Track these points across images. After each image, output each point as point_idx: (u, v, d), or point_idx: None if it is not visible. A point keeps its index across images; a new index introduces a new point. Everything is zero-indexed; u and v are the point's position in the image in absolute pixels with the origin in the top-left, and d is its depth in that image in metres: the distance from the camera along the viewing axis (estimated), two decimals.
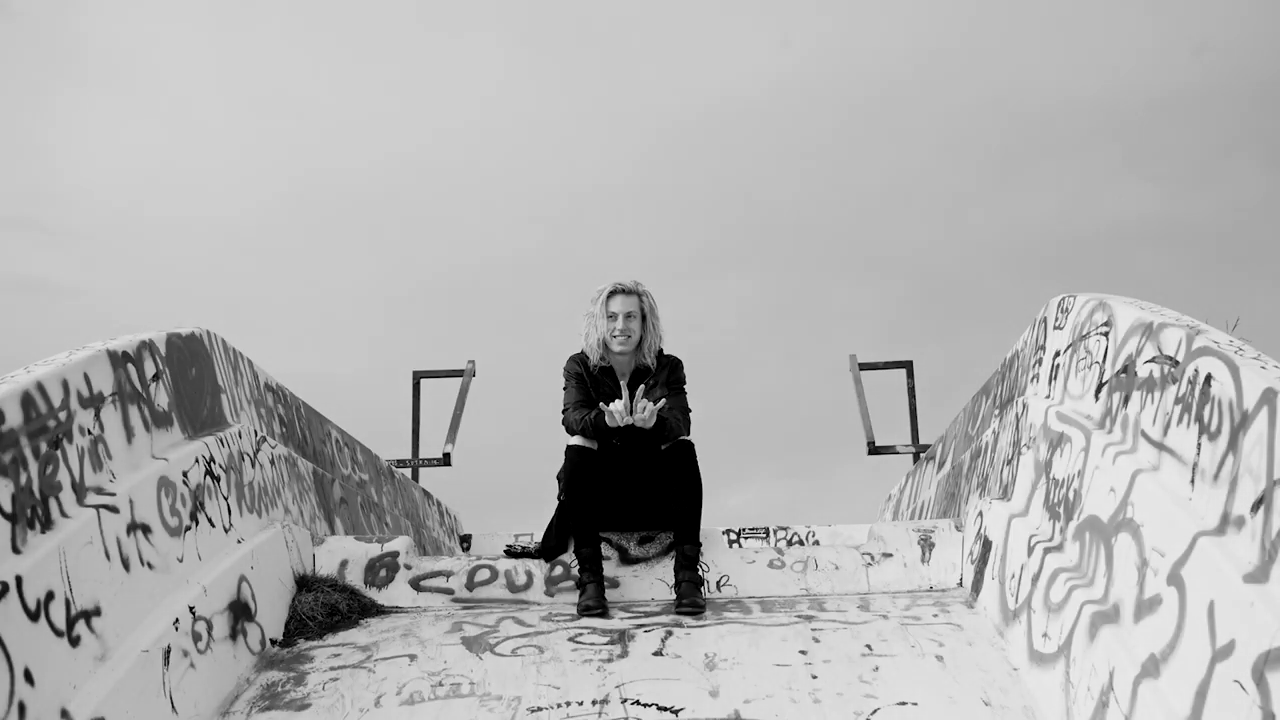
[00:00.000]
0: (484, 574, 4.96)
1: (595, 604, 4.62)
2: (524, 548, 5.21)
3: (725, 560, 5.05)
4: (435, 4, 24.08)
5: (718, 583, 4.96)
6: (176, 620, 3.61)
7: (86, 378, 3.54)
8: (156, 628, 3.50)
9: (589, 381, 5.01)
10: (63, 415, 3.35)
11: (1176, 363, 3.30)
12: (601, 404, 4.82)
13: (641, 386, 4.94)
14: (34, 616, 2.93)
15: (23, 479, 3.06)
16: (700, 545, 4.90)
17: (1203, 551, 2.84)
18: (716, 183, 24.22)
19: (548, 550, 5.03)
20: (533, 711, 3.69)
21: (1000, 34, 22.82)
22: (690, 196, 24.28)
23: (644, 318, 5.01)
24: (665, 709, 3.68)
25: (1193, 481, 3.05)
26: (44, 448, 3.21)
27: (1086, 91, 22.65)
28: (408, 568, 4.99)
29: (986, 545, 4.64)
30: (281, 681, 3.98)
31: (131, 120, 23.37)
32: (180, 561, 3.85)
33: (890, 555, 5.05)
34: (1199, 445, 3.05)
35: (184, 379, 4.33)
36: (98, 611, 3.25)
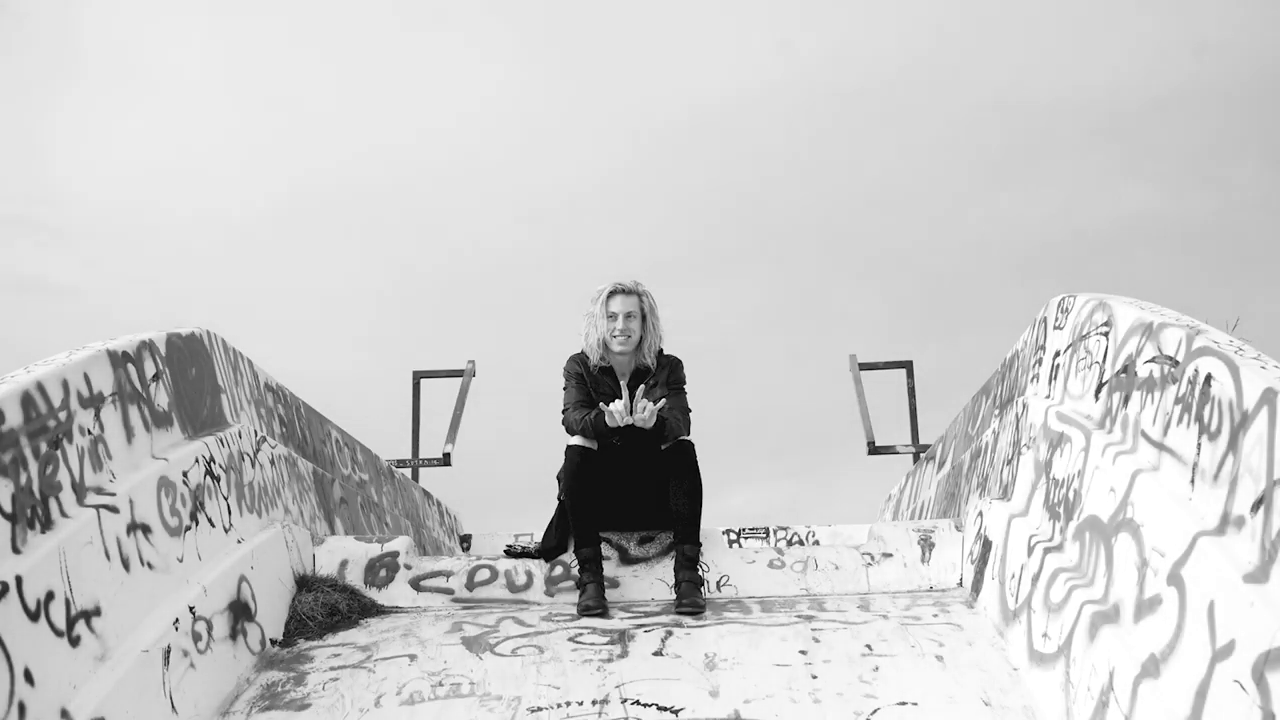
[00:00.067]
0: (484, 574, 4.96)
1: (595, 604, 4.62)
2: (524, 548, 5.20)
3: (725, 560, 5.05)
4: (435, 4, 24.11)
5: (718, 583, 4.96)
6: (176, 620, 3.61)
7: (86, 378, 3.54)
8: (156, 628, 3.50)
9: (589, 381, 5.00)
10: (63, 415, 3.35)
11: (1176, 363, 3.30)
12: (601, 404, 4.82)
13: (641, 386, 4.94)
14: (34, 616, 2.93)
15: (23, 479, 3.07)
16: (700, 545, 4.90)
17: (1203, 551, 2.84)
18: (717, 182, 24.24)
19: (548, 550, 5.03)
20: (533, 711, 3.69)
21: (1000, 34, 22.84)
22: (690, 196, 24.30)
23: (644, 318, 5.01)
24: (665, 709, 3.68)
25: (1193, 481, 3.05)
26: (44, 448, 3.21)
27: (1086, 91, 22.67)
28: (408, 568, 4.99)
29: (986, 545, 4.64)
30: (281, 681, 3.98)
31: (131, 120, 23.39)
32: (180, 561, 3.85)
33: (890, 555, 5.04)
34: (1199, 445, 3.05)
35: (184, 379, 4.33)
36: (98, 611, 3.25)
